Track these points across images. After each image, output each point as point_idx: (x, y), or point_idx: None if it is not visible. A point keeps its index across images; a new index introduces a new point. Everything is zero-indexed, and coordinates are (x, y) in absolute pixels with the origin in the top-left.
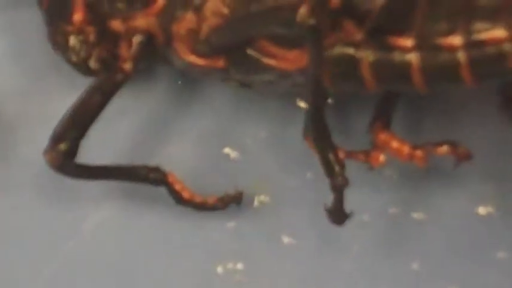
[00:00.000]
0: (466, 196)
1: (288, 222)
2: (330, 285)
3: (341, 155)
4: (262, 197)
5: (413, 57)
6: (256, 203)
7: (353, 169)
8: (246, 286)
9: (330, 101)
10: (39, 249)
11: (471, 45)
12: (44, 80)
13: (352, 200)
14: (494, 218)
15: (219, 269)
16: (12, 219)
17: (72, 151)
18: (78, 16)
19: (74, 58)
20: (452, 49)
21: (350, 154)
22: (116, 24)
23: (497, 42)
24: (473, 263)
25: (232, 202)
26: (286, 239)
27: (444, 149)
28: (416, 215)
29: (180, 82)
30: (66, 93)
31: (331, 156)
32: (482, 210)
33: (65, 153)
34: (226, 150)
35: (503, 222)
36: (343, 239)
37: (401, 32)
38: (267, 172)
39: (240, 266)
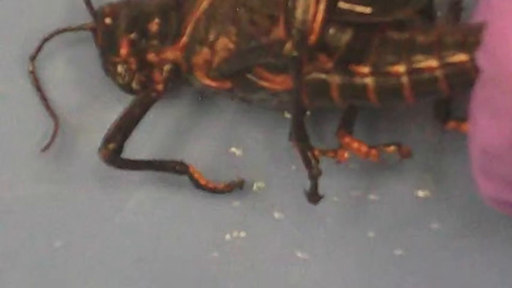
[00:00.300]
0: (409, 183)
1: (278, 201)
2: (310, 248)
3: (316, 152)
4: (259, 183)
5: (369, 81)
6: (254, 187)
7: (325, 163)
8: (247, 249)
9: (308, 113)
10: (94, 224)
11: (412, 72)
12: (99, 98)
13: (324, 185)
14: (430, 199)
15: (227, 236)
16: (74, 201)
17: (119, 149)
18: (123, 50)
19: (120, 81)
20: (397, 75)
21: (323, 152)
22: (151, 57)
23: (431, 69)
24: (413, 232)
25: (236, 187)
26: (277, 214)
27: (392, 148)
28: (372, 196)
29: (200, 98)
30: (114, 107)
31: (309, 154)
32: (421, 193)
33: (113, 151)
34: (233, 149)
35: (436, 203)
36: (319, 214)
37: (360, 62)
38: (263, 165)
39: (242, 234)
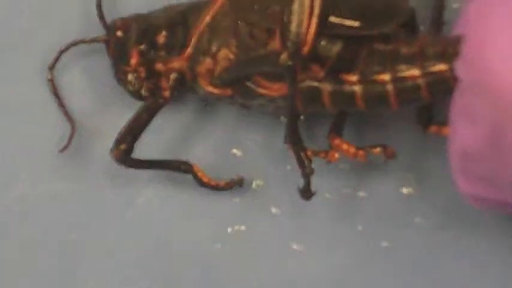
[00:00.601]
0: (394, 181)
1: (275, 198)
2: (304, 240)
3: (309, 153)
4: (258, 182)
5: (357, 89)
6: (253, 185)
7: (318, 163)
8: (247, 241)
9: (301, 117)
10: (107, 218)
11: (396, 80)
12: (111, 104)
13: (316, 183)
14: (413, 196)
15: (229, 230)
16: (88, 197)
17: (129, 150)
18: (133, 61)
19: (130, 88)
20: (383, 83)
21: (315, 153)
22: (159, 66)
23: (414, 78)
24: (398, 226)
25: (236, 185)
26: (274, 210)
27: (377, 149)
28: (360, 194)
29: (205, 104)
30: (125, 112)
31: (302, 154)
32: (404, 190)
33: (124, 152)
34: (233, 150)
35: (418, 199)
36: (312, 209)
37: (349, 72)
38: (261, 165)
39: (242, 227)
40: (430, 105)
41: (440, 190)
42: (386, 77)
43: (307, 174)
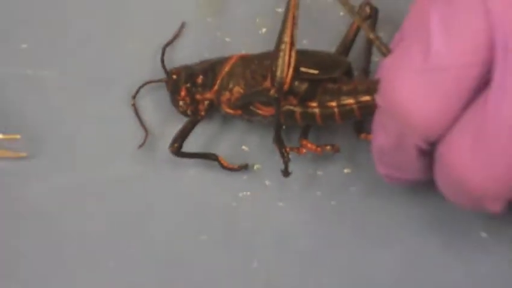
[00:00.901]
0: (339, 164)
1: (268, 175)
2: (286, 199)
3: (287, 149)
4: (257, 166)
5: (316, 111)
6: (255, 168)
7: (295, 155)
8: (251, 201)
9: (283, 127)
10: (167, 190)
11: (340, 106)
12: (170, 119)
13: (292, 166)
14: (351, 174)
15: (240, 194)
16: (156, 177)
17: (180, 147)
18: (182, 93)
19: (181, 110)
20: (332, 107)
21: (291, 148)
22: (198, 96)
23: (350, 104)
24: (342, 193)
25: (244, 168)
26: (267, 182)
27: (329, 147)
28: (319, 172)
29: (225, 119)
30: (178, 124)
31: (283, 150)
32: (346, 170)
33: (177, 147)
34: (243, 147)
35: (355, 175)
36: (290, 182)
37: (312, 100)
38: (260, 156)
39: (248, 193)
40: (361, 121)
41: (370, 171)
42: (333, 103)
43: (286, 162)
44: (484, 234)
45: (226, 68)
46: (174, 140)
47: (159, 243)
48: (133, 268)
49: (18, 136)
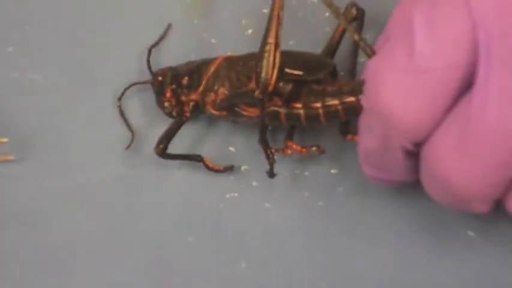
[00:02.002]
0: (326, 165)
1: (255, 176)
2: (273, 200)
3: (272, 150)
4: (245, 167)
5: (301, 112)
6: (242, 169)
7: (286, 158)
8: (238, 202)
9: (269, 128)
10: (153, 190)
11: (324, 107)
12: (155, 120)
13: (277, 167)
14: (338, 174)
15: (227, 195)
16: (141, 177)
17: (165, 148)
18: (168, 94)
19: (166, 111)
20: (317, 108)
21: (276, 150)
22: (183, 98)
23: (335, 105)
24: (329, 191)
25: (231, 169)
26: (254, 183)
27: (314, 148)
28: (306, 172)
29: (210, 120)
30: (163, 125)
31: (268, 151)
32: (333, 171)
33: (162, 149)
34: (230, 148)
35: (342, 176)
36: (277, 182)
37: (297, 101)
38: (247, 156)
39: (235, 194)
40: (347, 122)
41: (356, 171)
42: (318, 104)
43: (271, 163)
44: (471, 234)
45: (212, 69)
46: (160, 142)
47: (146, 244)
48: (121, 269)
49: (6, 139)
